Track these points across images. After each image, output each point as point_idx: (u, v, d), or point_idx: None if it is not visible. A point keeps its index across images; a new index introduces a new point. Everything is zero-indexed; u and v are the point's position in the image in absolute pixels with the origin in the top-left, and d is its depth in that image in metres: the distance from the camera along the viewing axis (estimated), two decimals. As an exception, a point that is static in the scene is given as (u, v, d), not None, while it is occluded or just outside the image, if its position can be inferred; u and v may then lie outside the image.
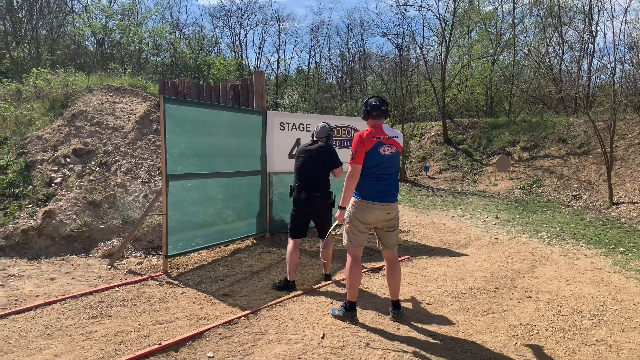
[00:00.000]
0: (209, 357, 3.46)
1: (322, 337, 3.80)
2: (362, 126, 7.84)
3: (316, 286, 5.11)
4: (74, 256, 6.13)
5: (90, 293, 4.76)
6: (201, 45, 31.78)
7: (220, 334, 3.84)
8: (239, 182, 6.70)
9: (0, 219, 6.45)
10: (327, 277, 5.38)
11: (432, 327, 4.07)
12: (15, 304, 4.52)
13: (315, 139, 5.20)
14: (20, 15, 20.89)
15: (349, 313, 4.12)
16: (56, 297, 4.66)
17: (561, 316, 4.44)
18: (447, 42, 20.77)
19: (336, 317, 4.19)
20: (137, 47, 19.86)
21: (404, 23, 36.38)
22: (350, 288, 4.09)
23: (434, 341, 3.80)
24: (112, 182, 7.19)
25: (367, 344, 3.69)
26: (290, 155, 7.17)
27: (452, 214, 10.84)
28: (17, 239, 6.14)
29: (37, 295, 4.73)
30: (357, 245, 4.11)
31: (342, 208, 4.09)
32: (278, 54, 40.07)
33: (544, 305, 4.74)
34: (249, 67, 34.42)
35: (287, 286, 5.00)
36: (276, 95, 31.18)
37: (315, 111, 28.11)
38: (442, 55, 21.17)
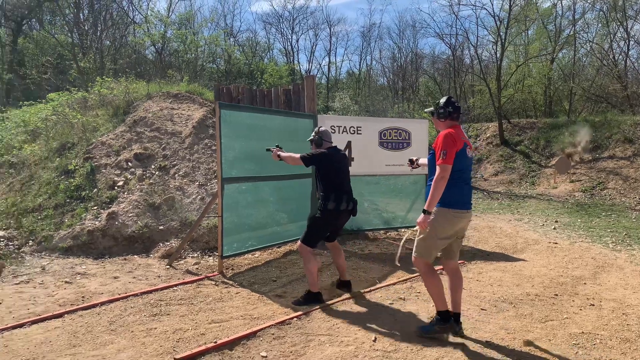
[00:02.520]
0: (263, 356, 3.53)
1: (374, 341, 3.79)
2: (413, 128, 7.76)
3: (367, 289, 5.11)
4: (135, 256, 6.42)
5: (150, 292, 4.97)
6: (254, 51, 32.46)
7: (273, 334, 3.91)
8: (291, 185, 6.79)
9: (68, 220, 6.86)
10: (345, 283, 5.09)
11: (487, 334, 3.97)
12: (82, 300, 4.79)
13: (330, 142, 4.88)
14: (86, 28, 22.12)
15: (448, 324, 3.84)
16: (119, 294, 4.90)
17: (627, 325, 4.22)
18: (503, 41, 20.19)
19: (432, 334, 3.83)
20: (193, 55, 20.56)
21: (457, 23, 35.69)
22: (437, 298, 3.84)
23: (488, 348, 3.70)
24: (170, 185, 7.47)
25: (420, 349, 3.65)
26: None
27: (509, 217, 10.51)
28: (84, 239, 6.50)
29: (102, 293, 4.99)
30: (431, 258, 3.84)
31: (428, 213, 3.66)
32: (329, 57, 40.14)
33: (607, 313, 4.52)
34: (300, 71, 34.79)
35: (315, 297, 4.67)
36: (327, 98, 31.34)
37: (366, 114, 27.99)
38: (498, 55, 20.59)
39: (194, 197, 7.42)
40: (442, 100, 3.97)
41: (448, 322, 3.86)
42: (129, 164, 7.82)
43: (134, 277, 5.56)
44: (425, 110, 4.37)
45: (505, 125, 19.75)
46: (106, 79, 11.15)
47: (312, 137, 4.96)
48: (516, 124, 20.02)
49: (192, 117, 9.01)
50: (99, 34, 21.58)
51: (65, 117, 9.33)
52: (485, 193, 15.25)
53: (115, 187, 7.38)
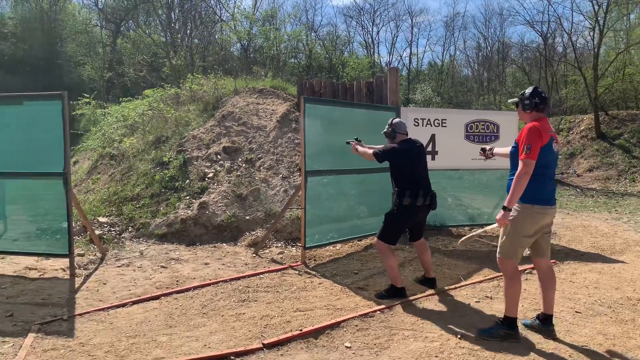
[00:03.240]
0: (347, 347, 3.58)
1: (460, 338, 3.71)
2: (502, 121, 7.45)
3: (452, 286, 5.00)
4: (224, 244, 6.73)
5: (239, 278, 5.20)
6: (335, 45, 32.64)
7: (356, 325, 3.95)
8: (372, 179, 6.78)
9: (163, 209, 7.32)
10: (430, 281, 4.96)
11: (583, 338, 3.75)
12: (177, 284, 5.11)
13: (404, 134, 4.71)
14: (177, 27, 23.39)
15: (513, 331, 3.66)
16: (210, 280, 5.17)
17: None
18: (601, 27, 18.74)
19: (492, 336, 3.68)
20: (276, 51, 21.09)
21: (550, 9, 33.54)
22: (512, 303, 3.67)
23: (583, 353, 3.50)
24: (256, 178, 7.74)
25: (509, 350, 3.52)
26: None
27: (606, 216, 9.80)
28: (177, 227, 6.92)
29: (194, 278, 5.29)
30: (518, 258, 3.67)
31: (508, 210, 3.50)
32: (410, 49, 39.39)
33: None
34: (381, 64, 34.50)
35: (399, 292, 4.60)
36: (408, 91, 30.85)
37: (449, 106, 27.20)
38: (595, 42, 19.17)
39: (277, 189, 7.64)
40: (528, 90, 3.74)
41: (512, 329, 3.67)
42: (218, 156, 8.19)
43: (223, 264, 5.84)
44: (509, 100, 4.12)
45: (602, 117, 18.37)
46: (196, 75, 11.72)
47: (385, 130, 4.80)
48: (615, 115, 18.55)
49: (276, 112, 9.25)
50: (189, 32, 22.74)
51: (160, 112, 9.94)
52: (578, 190, 14.32)
53: (206, 179, 7.77)
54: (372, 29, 37.09)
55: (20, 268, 5.65)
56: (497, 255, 3.74)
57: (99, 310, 4.32)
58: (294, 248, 6.59)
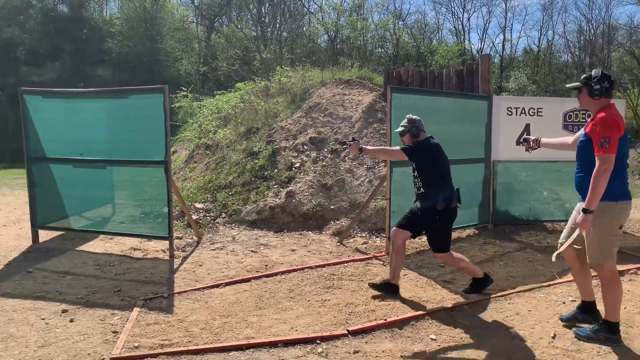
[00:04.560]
0: (432, 339, 3.54)
1: (553, 337, 3.54)
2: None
3: (546, 284, 4.75)
4: (309, 232, 6.89)
5: (324, 266, 5.31)
6: (423, 33, 31.90)
7: (442, 318, 3.90)
8: (460, 170, 6.55)
9: (253, 196, 7.63)
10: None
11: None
12: (266, 268, 5.32)
13: (425, 132, 4.32)
14: (266, 21, 24.07)
15: (614, 336, 3.41)
16: (296, 266, 5.33)
17: None
18: None
19: (590, 339, 3.45)
20: (363, 41, 21.04)
21: (665, -16, 30.36)
22: (613, 307, 3.41)
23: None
24: (341, 168, 7.82)
25: (608, 352, 3.30)
26: (517, 142, 6.74)
27: None
28: (266, 214, 7.18)
29: (282, 263, 5.48)
30: (613, 258, 3.36)
31: (590, 212, 3.19)
32: (504, 34, 37.45)
33: None
34: (472, 51, 33.17)
35: (485, 282, 4.43)
36: (500, 78, 29.45)
37: (546, 94, 25.62)
38: None
39: (362, 179, 7.66)
40: (595, 73, 3.33)
41: (614, 335, 3.40)
42: (305, 147, 8.37)
43: (309, 251, 5.99)
44: (569, 85, 3.63)
45: None
46: (285, 68, 12.01)
47: (403, 129, 4.30)
48: None
49: (362, 102, 9.25)
50: (278, 26, 23.33)
51: (250, 105, 10.32)
52: None
53: (293, 168, 7.97)
54: (463, 16, 35.85)
55: (126, 248, 6.18)
56: (590, 262, 3.44)
57: (195, 289, 4.62)
58: (378, 238, 6.59)
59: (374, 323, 3.76)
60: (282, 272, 5.10)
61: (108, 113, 6.11)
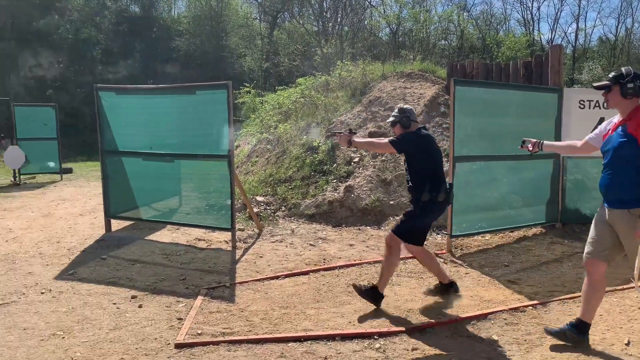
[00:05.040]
0: (494, 339, 3.43)
1: (627, 344, 3.33)
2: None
3: (620, 287, 4.47)
4: (368, 227, 6.86)
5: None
6: (489, 24, 30.79)
7: (505, 319, 3.77)
8: (527, 166, 6.32)
9: (312, 190, 7.70)
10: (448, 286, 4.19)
11: None
12: (324, 262, 5.36)
13: (417, 122, 4.08)
14: (328, 16, 24.11)
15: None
16: (354, 260, 5.33)
17: None
18: None
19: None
20: (426, 33, 20.62)
21: None
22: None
23: None
24: (401, 163, 7.71)
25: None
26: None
27: None
28: (325, 209, 7.22)
29: (340, 257, 5.50)
30: None
31: None
32: (577, 23, 35.51)
33: None
34: (541, 42, 31.64)
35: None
36: (572, 70, 27.92)
37: (623, 86, 24.00)
38: None
39: (424, 174, 7.52)
40: (627, 71, 3.11)
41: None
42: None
43: (367, 247, 5.96)
44: (597, 84, 3.34)
45: None
46: (345, 62, 11.99)
47: (394, 119, 4.07)
48: None
49: (423, 96, 9.07)
50: (339, 20, 23.31)
51: (311, 99, 10.39)
52: None
53: (352, 163, 7.96)
54: (532, 5, 34.27)
55: (191, 238, 6.42)
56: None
57: (256, 280, 4.73)
58: (439, 236, 6.46)
59: (433, 321, 3.69)
60: (340, 267, 5.11)
61: (176, 108, 6.35)
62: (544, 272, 4.99)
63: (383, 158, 7.85)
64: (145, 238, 6.50)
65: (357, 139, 4.18)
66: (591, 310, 3.30)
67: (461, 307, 4.02)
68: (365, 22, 25.13)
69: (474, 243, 6.12)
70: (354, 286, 4.08)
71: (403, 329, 3.58)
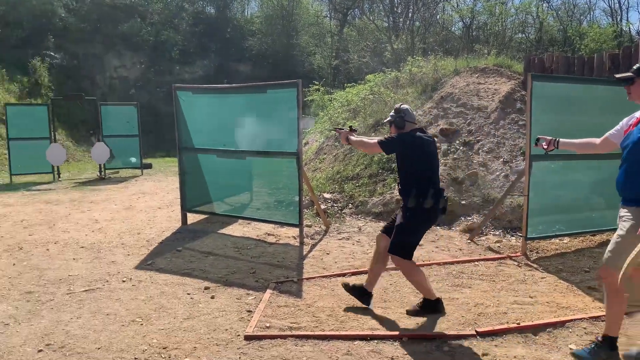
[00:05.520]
0: (571, 349, 3.25)
1: None
2: None
3: None
4: (437, 227, 6.71)
5: (452, 263, 5.14)
6: (571, 14, 29.02)
7: (585, 328, 3.55)
8: (611, 166, 5.89)
9: (380, 188, 7.63)
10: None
11: None
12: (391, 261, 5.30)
13: (414, 123, 3.87)
14: (399, 11, 23.78)
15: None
16: (423, 261, 5.23)
17: None
18: None
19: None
20: (502, 27, 19.80)
21: None
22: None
23: None
24: (474, 161, 7.47)
25: None
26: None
27: None
28: (392, 207, 7.14)
29: (408, 257, 5.41)
30: None
31: None
32: (672, 11, 32.72)
33: None
34: (630, 32, 29.42)
35: (436, 305, 3.86)
36: (667, 62, 25.68)
37: None
38: None
39: (497, 173, 7.24)
40: None
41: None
42: (435, 138, 8.12)
43: (437, 247, 5.83)
44: (619, 75, 3.17)
45: None
46: (416, 58, 11.78)
47: (390, 119, 3.92)
48: None
49: (498, 91, 8.73)
50: (410, 15, 22.94)
51: (380, 96, 10.31)
52: None
53: (422, 161, 7.81)
54: (620, -8, 31.83)
55: (261, 233, 6.58)
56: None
57: (323, 277, 4.77)
58: (513, 238, 6.20)
59: (505, 326, 3.55)
60: (409, 266, 5.03)
61: (248, 107, 6.53)
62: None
63: (455, 156, 7.64)
64: (218, 231, 6.74)
65: (352, 137, 4.12)
66: (616, 324, 3.05)
67: (536, 314, 3.83)
68: (437, 17, 24.54)
69: (551, 246, 5.81)
70: (408, 312, 3.90)
71: (473, 332, 3.47)
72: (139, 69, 23.75)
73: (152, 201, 9.19)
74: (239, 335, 3.54)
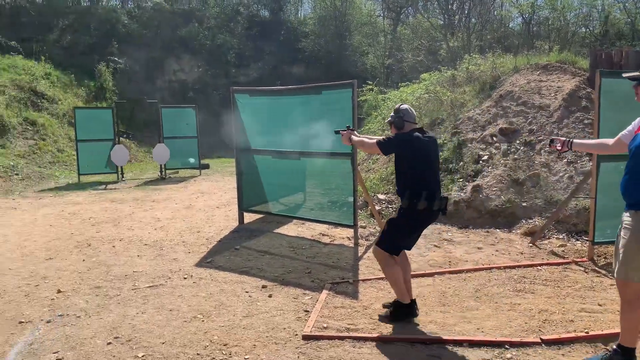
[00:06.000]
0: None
1: None
2: None
3: None
4: (497, 230, 6.51)
5: (514, 267, 4.97)
6: (640, 6, 27.36)
7: (661, 340, 3.33)
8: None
9: (437, 189, 7.49)
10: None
11: None
12: (449, 264, 5.19)
13: (414, 123, 3.80)
14: (454, 8, 23.24)
15: None
16: (482, 265, 5.09)
17: None
18: None
19: None
20: (564, 21, 18.94)
21: None
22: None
23: None
24: (535, 162, 7.19)
25: None
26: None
27: None
28: (450, 209, 6.98)
29: (467, 261, 5.29)
30: None
31: None
32: None
33: None
34: None
35: (408, 311, 3.78)
36: None
37: None
38: None
39: (561, 174, 6.94)
40: None
41: None
42: (494, 138, 7.90)
43: (497, 250, 5.66)
44: (627, 75, 3.12)
45: None
46: (473, 55, 11.49)
47: (390, 119, 3.87)
48: None
49: (562, 89, 8.36)
50: (466, 12, 22.38)
51: (435, 95, 10.12)
52: None
53: (480, 162, 7.60)
54: (697, -20, 29.71)
55: (315, 233, 6.62)
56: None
57: (379, 278, 4.73)
58: (578, 242, 5.92)
59: (572, 335, 3.39)
60: (467, 270, 4.91)
61: (303, 108, 6.58)
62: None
63: (515, 156, 7.38)
64: (274, 231, 6.84)
65: (354, 137, 4.10)
66: (630, 334, 2.96)
67: (606, 322, 3.64)
68: (495, 13, 23.79)
69: (620, 252, 5.50)
70: (380, 318, 3.84)
71: (538, 340, 3.34)
72: (196, 72, 24.46)
73: (210, 200, 9.45)
74: (296, 334, 3.57)
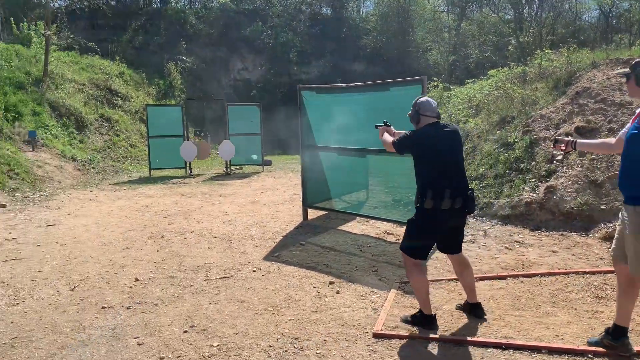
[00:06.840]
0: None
1: None
2: None
3: None
4: (573, 233, 6.20)
5: (593, 273, 4.71)
6: None
7: None
8: None
9: (507, 190, 7.23)
10: (474, 307, 3.77)
11: None
12: (522, 267, 4.99)
13: (432, 117, 3.60)
14: (523, 2, 22.34)
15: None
16: (558, 269, 4.86)
17: None
18: None
19: None
20: (644, 13, 17.76)
21: None
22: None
23: None
24: (616, 162, 6.76)
25: None
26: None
27: None
28: (521, 210, 6.73)
29: (541, 264, 5.06)
30: None
31: None
32: None
33: None
34: None
35: (427, 322, 3.56)
36: None
37: None
38: None
39: (644, 176, 6.49)
40: None
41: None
42: (569, 137, 7.51)
43: (573, 254, 5.38)
44: (618, 71, 3.40)
45: None
46: (546, 51, 10.98)
47: (409, 113, 3.72)
48: None
49: (646, 85, 7.82)
50: (537, 5, 21.46)
51: (505, 92, 9.76)
52: None
53: (554, 162, 7.26)
54: None
55: (380, 231, 6.57)
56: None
57: (448, 280, 4.63)
58: None
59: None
60: (542, 274, 4.70)
61: (370, 105, 6.53)
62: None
63: (593, 156, 6.99)
64: (337, 228, 6.85)
65: (386, 134, 4.05)
66: (624, 314, 3.11)
67: (702, 336, 3.37)
68: (566, 6, 22.66)
69: None
70: (402, 319, 3.74)
71: (627, 353, 3.14)
72: (259, 71, 24.94)
73: (273, 196, 9.60)
74: (366, 332, 3.56)
